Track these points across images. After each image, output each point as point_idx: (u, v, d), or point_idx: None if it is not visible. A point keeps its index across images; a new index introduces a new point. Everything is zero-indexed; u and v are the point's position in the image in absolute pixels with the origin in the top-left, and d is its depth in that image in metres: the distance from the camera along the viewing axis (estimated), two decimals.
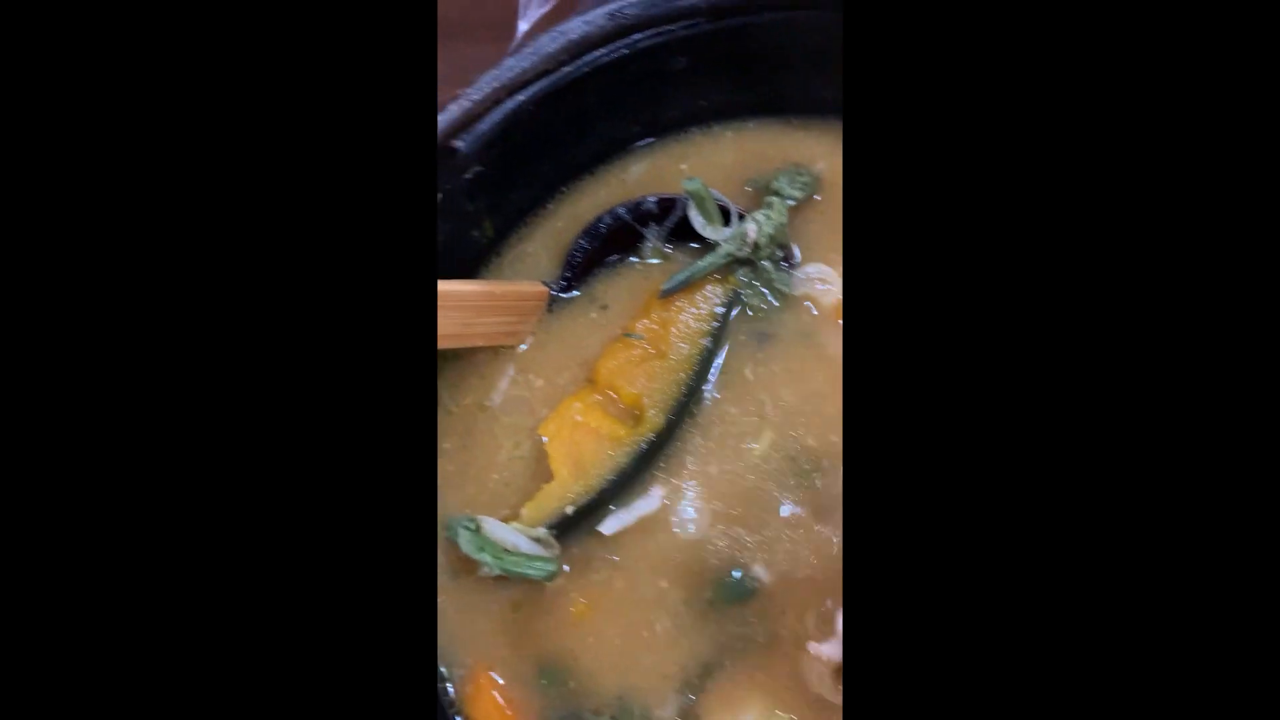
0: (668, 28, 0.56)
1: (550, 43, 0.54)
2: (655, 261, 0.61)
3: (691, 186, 0.57)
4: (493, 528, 0.52)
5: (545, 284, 0.60)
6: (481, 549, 0.50)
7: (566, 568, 0.54)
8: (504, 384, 0.59)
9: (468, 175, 0.56)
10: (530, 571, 0.48)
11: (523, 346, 0.60)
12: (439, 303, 0.54)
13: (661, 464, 0.56)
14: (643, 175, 0.63)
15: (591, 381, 0.57)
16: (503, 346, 0.60)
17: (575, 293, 0.60)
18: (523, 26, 0.77)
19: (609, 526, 0.53)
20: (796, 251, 0.59)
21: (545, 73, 0.55)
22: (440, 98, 0.75)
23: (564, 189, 0.63)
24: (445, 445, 0.59)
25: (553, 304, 0.60)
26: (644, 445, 0.54)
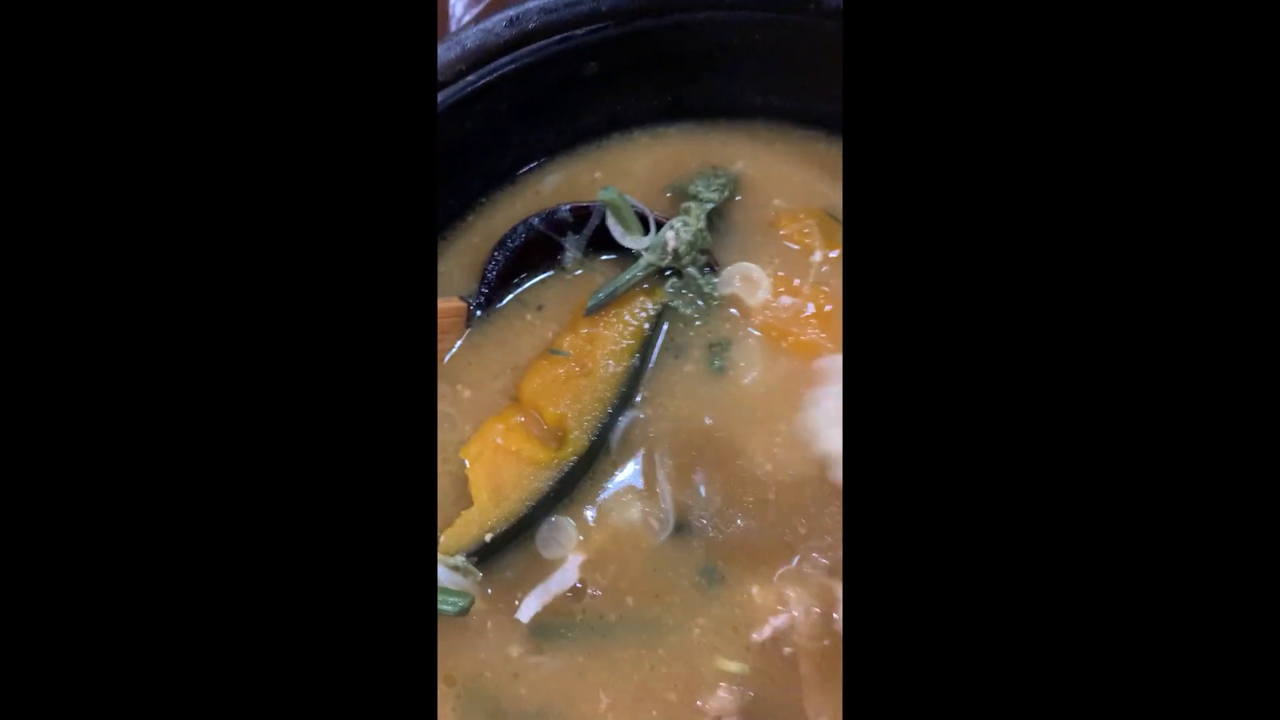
0: (573, 33, 0.54)
1: (446, 51, 0.52)
2: (580, 273, 0.59)
3: (606, 195, 0.55)
4: None
5: (463, 299, 0.59)
6: None
7: (489, 590, 0.52)
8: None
9: None
10: (443, 608, 0.47)
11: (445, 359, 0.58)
12: None
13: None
14: (559, 185, 0.61)
15: (516, 400, 0.56)
16: None
17: (501, 304, 0.59)
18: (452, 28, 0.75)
19: (525, 612, 0.51)
20: (718, 256, 0.58)
21: (444, 84, 0.53)
22: None
23: (483, 200, 0.61)
24: None
25: (480, 315, 0.59)
26: (566, 468, 0.53)
